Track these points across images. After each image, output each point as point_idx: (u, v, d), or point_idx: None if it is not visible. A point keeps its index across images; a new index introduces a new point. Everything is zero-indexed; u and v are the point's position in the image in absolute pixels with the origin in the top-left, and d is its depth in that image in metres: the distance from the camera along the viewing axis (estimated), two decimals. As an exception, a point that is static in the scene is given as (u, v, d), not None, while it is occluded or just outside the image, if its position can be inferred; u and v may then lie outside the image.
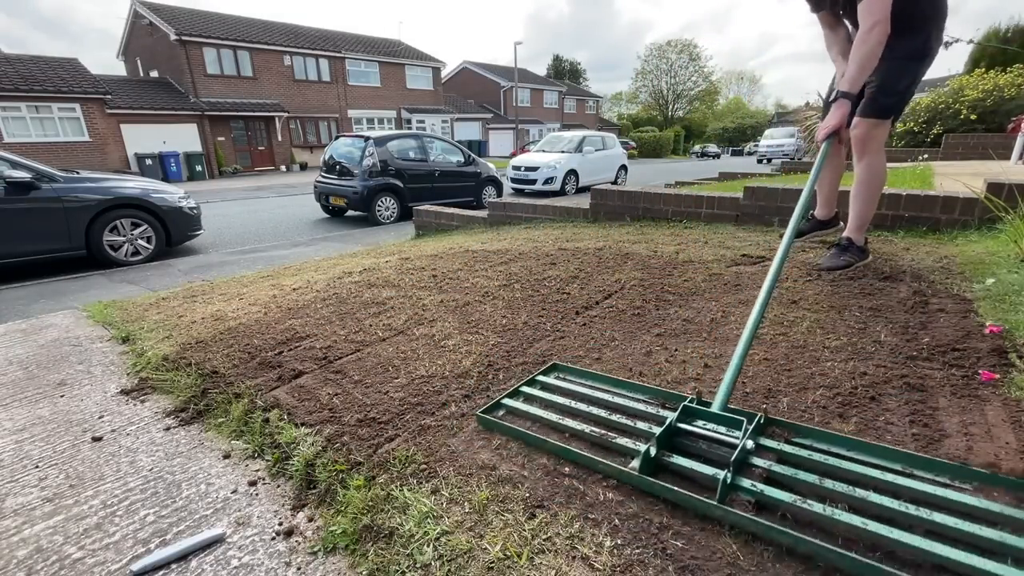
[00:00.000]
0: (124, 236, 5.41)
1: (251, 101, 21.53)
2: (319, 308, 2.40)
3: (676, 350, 1.64)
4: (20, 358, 2.15)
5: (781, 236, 2.20)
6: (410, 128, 26.20)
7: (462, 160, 9.65)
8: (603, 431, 1.20)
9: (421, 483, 1.11)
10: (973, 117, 8.97)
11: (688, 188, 6.60)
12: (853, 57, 1.92)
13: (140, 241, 5.53)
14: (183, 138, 19.42)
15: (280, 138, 22.58)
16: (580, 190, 12.39)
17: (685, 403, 1.19)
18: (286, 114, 22.30)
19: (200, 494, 1.21)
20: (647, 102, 62.87)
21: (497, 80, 37.26)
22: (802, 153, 16.51)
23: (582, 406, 1.32)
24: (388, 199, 8.35)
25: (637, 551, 0.89)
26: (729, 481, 0.96)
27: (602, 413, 1.28)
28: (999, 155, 7.09)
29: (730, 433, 1.08)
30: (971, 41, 2.58)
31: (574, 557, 0.89)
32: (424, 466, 1.16)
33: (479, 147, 29.77)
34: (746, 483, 0.98)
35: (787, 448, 1.08)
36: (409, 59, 27.55)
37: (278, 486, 1.23)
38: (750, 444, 1.04)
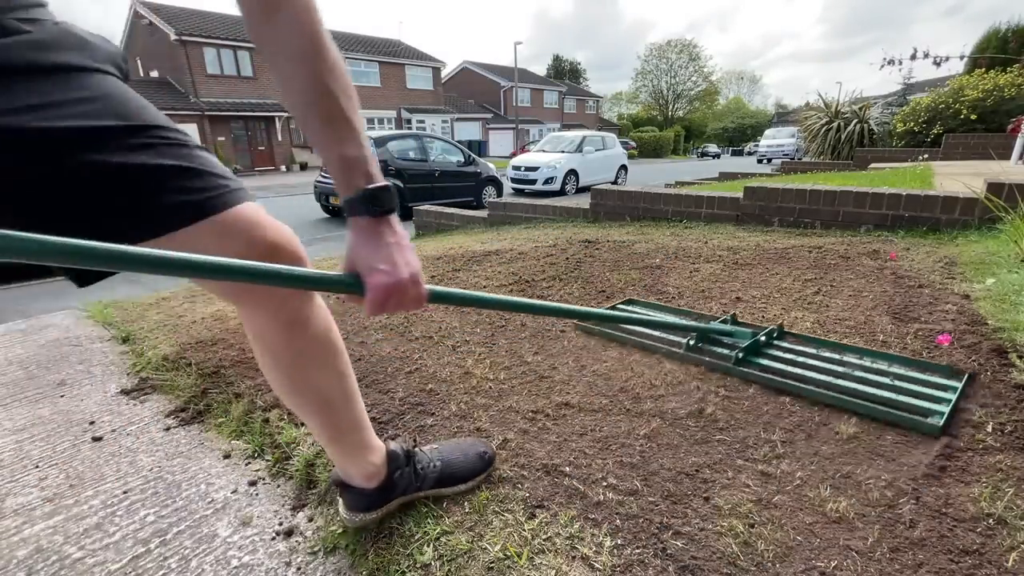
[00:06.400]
0: (124, 236, 5.42)
1: (251, 101, 21.53)
2: (319, 308, 2.40)
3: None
4: (20, 358, 2.15)
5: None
6: (410, 128, 26.18)
7: (462, 160, 9.65)
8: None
9: (421, 483, 1.11)
10: (973, 117, 8.96)
11: (688, 188, 6.59)
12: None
13: (140, 241, 5.53)
14: (183, 138, 19.42)
15: (280, 138, 22.59)
16: (580, 190, 12.38)
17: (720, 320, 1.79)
18: (286, 114, 22.28)
19: (200, 494, 1.21)
20: (647, 102, 62.82)
21: (497, 80, 37.23)
22: (802, 153, 16.50)
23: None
24: (388, 199, 8.34)
25: (637, 551, 0.89)
26: (740, 356, 1.51)
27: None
28: (999, 155, 7.08)
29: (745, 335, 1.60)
30: (963, 56, 2.68)
31: (574, 557, 0.89)
32: (424, 466, 1.16)
33: (479, 147, 29.71)
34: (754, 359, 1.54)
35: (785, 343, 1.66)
36: (409, 59, 27.56)
37: (278, 486, 1.23)
38: (763, 338, 1.61)
